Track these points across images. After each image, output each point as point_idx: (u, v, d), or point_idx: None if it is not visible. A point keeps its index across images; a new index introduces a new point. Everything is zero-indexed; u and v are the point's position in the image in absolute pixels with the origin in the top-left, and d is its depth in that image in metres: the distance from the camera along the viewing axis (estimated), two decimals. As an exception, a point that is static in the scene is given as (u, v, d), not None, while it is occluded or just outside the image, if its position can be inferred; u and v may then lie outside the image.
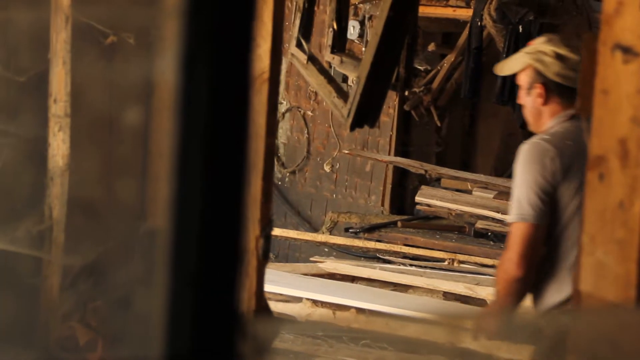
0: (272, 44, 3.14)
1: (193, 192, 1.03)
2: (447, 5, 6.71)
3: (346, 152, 6.85)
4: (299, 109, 7.25)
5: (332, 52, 4.09)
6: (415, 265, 6.41)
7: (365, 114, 3.82)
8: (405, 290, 6.35)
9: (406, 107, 6.85)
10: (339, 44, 4.11)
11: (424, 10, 6.77)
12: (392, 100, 7.00)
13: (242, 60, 1.04)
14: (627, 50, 1.84)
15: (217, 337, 1.09)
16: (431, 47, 6.90)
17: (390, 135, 6.99)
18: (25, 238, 3.30)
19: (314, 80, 4.03)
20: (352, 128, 3.82)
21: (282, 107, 7.30)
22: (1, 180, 3.33)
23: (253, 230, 3.24)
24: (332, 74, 4.09)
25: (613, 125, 1.88)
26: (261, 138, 3.19)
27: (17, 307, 3.23)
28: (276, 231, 6.59)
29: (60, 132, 3.29)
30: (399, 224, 6.64)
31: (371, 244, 6.54)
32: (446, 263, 6.45)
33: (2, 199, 3.34)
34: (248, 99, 1.05)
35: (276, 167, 7.49)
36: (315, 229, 7.20)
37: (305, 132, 7.27)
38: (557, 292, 3.22)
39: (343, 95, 3.91)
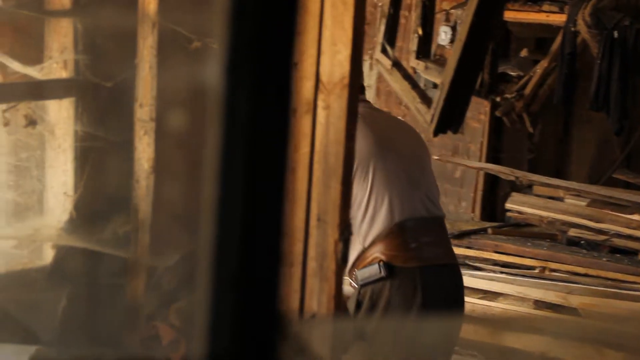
0: (353, 50, 3.16)
1: (235, 196, 1.06)
2: (540, 11, 6.63)
3: (436, 157, 6.82)
4: (390, 115, 7.24)
5: (417, 57, 4.09)
6: (506, 273, 6.35)
7: (449, 120, 3.82)
8: (495, 298, 6.31)
9: (498, 113, 6.79)
10: (424, 49, 4.11)
11: (516, 16, 6.71)
12: (483, 106, 6.96)
13: (284, 69, 1.07)
14: None
15: (258, 338, 1.11)
16: (524, 52, 6.83)
17: (482, 142, 6.93)
18: (111, 239, 3.38)
19: (398, 85, 4.04)
20: (436, 134, 3.82)
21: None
22: (89, 183, 3.42)
23: (332, 234, 3.26)
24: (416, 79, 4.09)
25: None
26: (341, 143, 3.21)
27: (103, 307, 3.31)
28: (365, 236, 6.59)
29: (145, 136, 3.36)
30: (490, 230, 6.59)
31: (460, 251, 6.50)
32: (537, 271, 6.38)
33: (90, 200, 3.43)
34: (288, 107, 1.07)
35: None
36: (405, 235, 7.17)
37: (396, 137, 7.25)
38: None
39: (427, 101, 3.91)
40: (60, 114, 3.40)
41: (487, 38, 3.63)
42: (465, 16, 3.61)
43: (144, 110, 3.35)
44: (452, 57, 3.60)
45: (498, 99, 6.85)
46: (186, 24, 3.32)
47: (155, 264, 3.36)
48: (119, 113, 3.41)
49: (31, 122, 3.28)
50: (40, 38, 3.41)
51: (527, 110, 6.92)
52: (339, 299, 3.32)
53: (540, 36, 6.94)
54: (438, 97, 3.69)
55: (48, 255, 3.37)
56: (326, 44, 3.22)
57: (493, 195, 7.03)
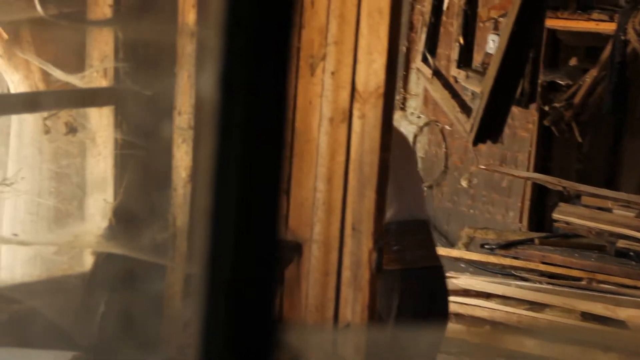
0: (388, 59, 3.17)
1: (229, 204, 1.07)
2: (589, 19, 6.58)
3: (482, 167, 6.80)
4: (437, 123, 7.23)
5: (458, 66, 4.08)
6: (552, 284, 6.31)
7: (489, 129, 3.80)
8: (542, 310, 6.26)
9: (546, 123, 6.76)
10: (466, 58, 4.10)
11: (565, 24, 6.66)
12: (531, 115, 6.92)
13: (279, 78, 1.08)
14: None
15: (251, 346, 1.12)
16: (573, 61, 6.78)
17: (529, 151, 6.90)
18: (150, 246, 3.42)
19: (439, 94, 4.04)
20: (475, 143, 3.81)
21: (421, 121, 7.30)
22: (128, 190, 3.46)
23: (366, 243, 3.27)
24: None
25: None
26: (376, 153, 3.22)
27: (141, 315, 3.34)
28: (410, 245, 6.58)
29: (183, 144, 3.40)
30: (536, 241, 6.55)
31: (507, 261, 6.47)
32: (584, 282, 6.32)
33: (129, 207, 3.47)
34: (284, 115, 1.08)
35: (414, 182, 7.49)
36: (452, 244, 7.16)
37: (443, 146, 7.25)
38: None
39: (467, 110, 3.90)
40: (100, 122, 3.45)
41: (528, 47, 3.61)
42: (505, 25, 3.60)
43: (182, 118, 3.38)
44: (492, 66, 3.59)
45: (547, 108, 6.80)
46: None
47: (193, 271, 3.38)
48: (158, 121, 3.45)
49: (71, 130, 3.33)
50: (82, 47, 3.46)
51: (576, 119, 6.87)
52: (373, 309, 3.32)
53: (590, 45, 6.89)
54: (478, 106, 3.67)
55: (88, 262, 3.41)
56: (362, 53, 3.24)
57: (541, 205, 6.99)
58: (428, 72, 4.08)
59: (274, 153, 1.12)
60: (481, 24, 6.28)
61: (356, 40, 3.23)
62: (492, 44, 6.87)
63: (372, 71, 3.18)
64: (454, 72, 4.11)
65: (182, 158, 3.41)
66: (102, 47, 3.44)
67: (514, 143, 7.05)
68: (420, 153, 7.50)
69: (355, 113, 3.24)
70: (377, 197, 3.19)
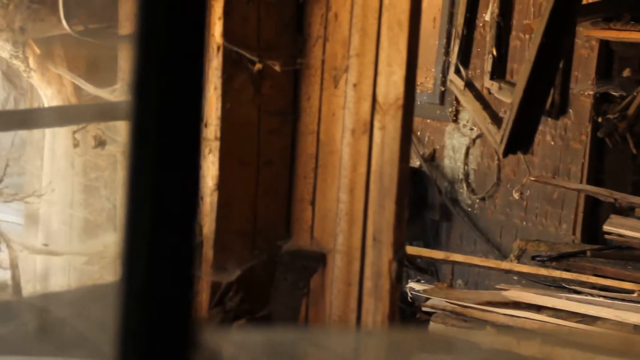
0: (407, 71, 3.20)
1: (143, 210, 1.11)
2: (643, 30, 6.51)
3: (532, 178, 6.76)
4: (489, 135, 7.20)
5: (492, 78, 4.09)
6: (604, 296, 6.24)
7: (519, 140, 3.80)
8: (593, 322, 6.19)
9: (600, 134, 6.69)
10: (499, 70, 4.10)
11: (619, 35, 6.61)
12: (584, 127, 6.86)
13: (193, 88, 1.12)
14: None
15: (168, 348, 1.16)
16: (626, 72, 6.71)
17: (582, 163, 6.84)
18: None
19: (471, 106, 4.05)
20: (505, 154, 3.81)
21: (473, 134, 7.29)
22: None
23: (386, 254, 3.30)
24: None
25: None
26: (395, 164, 3.25)
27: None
28: (459, 257, 6.58)
29: (210, 155, 3.46)
30: (588, 253, 6.48)
31: (557, 273, 6.41)
32: (636, 295, 6.24)
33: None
34: (198, 127, 1.13)
35: (466, 194, 7.48)
36: (504, 257, 7.12)
37: (496, 158, 7.22)
38: None
39: (497, 121, 3.90)
40: (130, 134, 3.52)
41: (557, 58, 3.60)
42: (534, 37, 3.60)
43: (209, 129, 3.45)
44: (522, 78, 3.59)
45: (600, 120, 6.74)
46: (248, 47, 3.41)
47: (219, 280, 3.44)
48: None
49: (100, 143, 3.41)
50: (114, 61, 3.55)
51: (630, 131, 6.79)
52: (393, 319, 3.34)
53: (644, 56, 6.81)
54: (508, 117, 3.68)
55: (117, 272, 3.49)
56: (382, 65, 3.27)
57: (595, 218, 6.92)
58: (460, 83, 4.09)
59: (188, 157, 1.16)
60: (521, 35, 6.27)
61: (377, 52, 3.26)
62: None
63: (391, 83, 3.21)
64: (487, 84, 4.12)
65: (209, 168, 3.47)
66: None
67: (567, 155, 7.00)
68: (472, 165, 7.48)
69: (376, 124, 3.27)
70: (396, 208, 3.22)
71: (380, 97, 3.25)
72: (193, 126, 1.18)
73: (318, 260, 3.48)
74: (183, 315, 1.19)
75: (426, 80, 7.56)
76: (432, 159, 7.64)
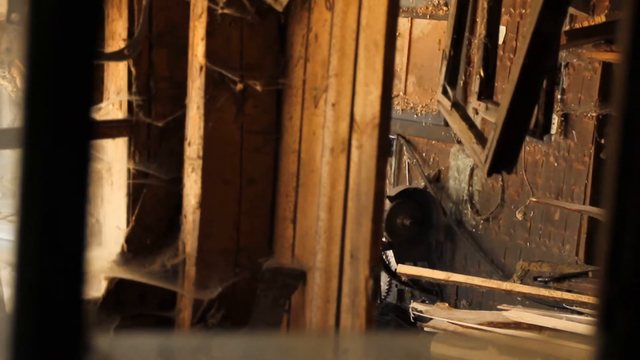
0: (383, 90, 3.24)
1: (35, 210, 1.15)
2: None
3: (534, 200, 6.78)
4: (492, 156, 7.22)
5: (479, 98, 4.12)
6: (605, 318, 6.23)
7: (503, 160, 3.82)
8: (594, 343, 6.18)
9: (603, 156, 6.70)
10: (486, 90, 4.13)
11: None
12: (587, 148, 6.88)
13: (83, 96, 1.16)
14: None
15: (60, 351, 1.20)
16: (629, 93, 6.71)
17: (586, 184, 6.85)
18: (160, 272, 3.53)
19: (457, 126, 4.08)
20: (490, 174, 3.83)
21: (477, 154, 7.31)
22: (141, 217, 3.59)
23: (363, 271, 3.33)
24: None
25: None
26: (372, 182, 3.29)
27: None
28: (460, 278, 6.59)
29: (193, 173, 3.51)
30: (590, 274, 6.49)
31: (558, 294, 6.42)
32: (636, 316, 6.23)
33: (141, 234, 3.59)
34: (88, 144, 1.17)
35: (470, 214, 7.50)
36: (508, 277, 7.13)
37: (500, 179, 7.24)
38: None
39: (483, 141, 3.93)
40: (116, 153, 3.59)
41: (540, 79, 3.64)
42: (517, 58, 3.63)
43: (192, 148, 3.50)
44: (505, 98, 3.62)
45: (603, 141, 6.75)
46: (231, 67, 3.46)
47: (201, 297, 3.49)
48: (169, 151, 3.58)
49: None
50: (100, 81, 3.62)
51: (633, 152, 6.79)
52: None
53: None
54: (492, 137, 3.71)
55: (101, 287, 3.54)
56: (359, 85, 3.32)
57: (598, 238, 6.89)
58: (447, 104, 4.13)
59: (78, 158, 1.21)
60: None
61: (354, 72, 3.31)
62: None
63: (368, 102, 3.25)
64: (475, 104, 4.15)
65: (191, 186, 3.52)
66: (118, 81, 3.58)
67: (570, 176, 7.01)
68: (477, 186, 7.50)
69: (354, 143, 3.31)
70: (373, 226, 3.25)
71: (357, 117, 3.30)
72: (82, 127, 1.23)
73: (298, 277, 3.52)
74: (75, 318, 1.23)
75: (431, 102, 7.60)
76: (437, 180, 7.67)
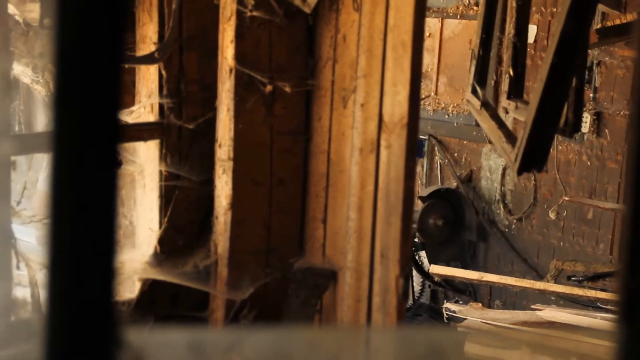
0: (411, 90, 3.26)
1: (66, 210, 1.18)
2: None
3: (566, 198, 6.76)
4: (524, 156, 7.21)
5: (509, 97, 4.12)
6: (639, 316, 6.20)
7: (533, 158, 3.82)
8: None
9: (636, 154, 6.68)
10: (516, 89, 4.13)
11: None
12: (620, 146, 6.85)
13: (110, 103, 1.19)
14: None
15: (93, 346, 1.23)
16: (661, 91, 6.68)
17: (619, 182, 6.82)
18: (193, 272, 3.57)
19: (486, 125, 4.09)
20: (520, 172, 3.83)
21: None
22: (173, 219, 3.62)
23: (393, 270, 3.34)
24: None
25: None
26: (400, 181, 3.30)
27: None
28: (493, 277, 6.58)
29: (224, 175, 3.54)
30: (624, 273, 6.46)
31: (592, 293, 6.39)
32: (671, 315, 6.19)
33: (173, 236, 3.63)
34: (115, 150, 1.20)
35: (503, 214, 7.48)
36: (541, 277, 7.11)
37: (532, 178, 7.23)
38: None
39: (512, 140, 3.94)
40: (148, 155, 3.63)
41: (569, 77, 3.64)
42: (546, 56, 3.64)
43: (222, 150, 3.53)
44: (534, 97, 3.62)
45: (636, 139, 6.72)
46: (260, 69, 3.49)
47: (233, 297, 3.52)
48: (200, 153, 3.61)
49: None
50: (131, 83, 3.66)
51: (667, 150, 6.76)
52: (400, 334, 3.38)
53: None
54: (522, 136, 3.71)
55: (136, 288, 3.58)
56: (388, 85, 3.33)
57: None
58: (477, 103, 4.14)
59: (107, 163, 1.24)
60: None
61: (382, 72, 3.32)
62: (578, 75, 6.85)
63: (396, 102, 3.26)
64: (505, 103, 4.15)
65: (222, 188, 3.55)
66: (149, 84, 3.62)
67: (603, 175, 6.99)
68: (509, 186, 7.49)
69: (383, 143, 3.33)
70: (402, 225, 3.27)
71: (386, 117, 3.31)
72: (110, 135, 1.25)
73: (329, 277, 3.54)
74: (107, 315, 1.26)
75: (462, 102, 7.60)
76: (469, 180, 7.67)
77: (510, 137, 3.94)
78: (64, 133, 1.21)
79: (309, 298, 3.53)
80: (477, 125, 7.43)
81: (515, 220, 7.39)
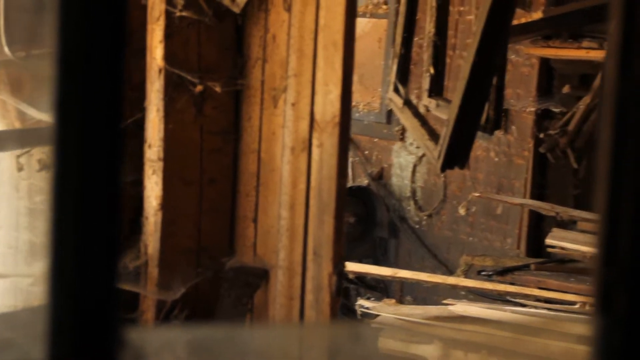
0: (342, 89, 3.30)
1: (69, 210, 1.18)
2: (580, 48, 6.68)
3: (476, 195, 6.89)
4: (434, 153, 7.34)
5: (430, 95, 4.20)
6: (547, 309, 6.37)
7: (455, 155, 3.91)
8: (537, 334, 6.32)
9: (542, 150, 6.85)
10: (436, 87, 4.22)
11: (557, 53, 6.78)
12: (526, 143, 7.02)
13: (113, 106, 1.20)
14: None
15: (96, 345, 1.23)
16: (566, 89, 6.87)
17: (526, 178, 6.98)
18: (123, 274, 3.55)
19: (409, 123, 4.16)
20: (443, 169, 3.91)
21: (419, 152, 7.42)
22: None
23: (326, 267, 3.38)
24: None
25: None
26: (333, 180, 3.35)
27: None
28: (406, 274, 6.68)
29: (153, 175, 3.53)
30: (532, 266, 6.62)
31: (502, 287, 6.54)
32: (577, 306, 6.38)
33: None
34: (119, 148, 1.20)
35: (413, 211, 7.60)
36: (452, 272, 7.24)
37: (442, 175, 7.35)
38: None
39: (435, 137, 4.02)
40: (75, 156, 3.59)
41: (490, 75, 3.73)
42: (467, 55, 3.72)
43: (152, 150, 3.52)
44: (456, 95, 3.70)
45: (542, 136, 6.90)
46: (189, 69, 3.49)
47: (164, 298, 3.51)
48: (129, 154, 3.59)
49: (45, 167, 3.47)
50: (57, 85, 3.62)
51: (571, 146, 6.95)
52: (334, 330, 3.43)
53: (583, 72, 6.99)
54: (444, 133, 3.79)
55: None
56: (319, 85, 3.37)
57: (539, 231, 7.07)
58: (399, 101, 4.20)
59: (110, 162, 1.24)
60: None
61: (314, 72, 3.36)
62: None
63: (328, 101, 3.30)
64: (425, 101, 4.23)
65: (152, 188, 3.54)
66: (75, 84, 3.58)
67: (510, 171, 7.14)
68: (419, 183, 7.60)
69: (314, 142, 3.37)
70: (335, 223, 3.31)
71: (317, 116, 3.35)
72: (114, 136, 1.26)
73: (261, 276, 3.56)
74: (109, 313, 1.27)
75: (373, 99, 7.69)
76: (380, 177, 7.76)
77: (433, 135, 4.03)
78: (64, 126, 1.21)
79: (240, 297, 3.54)
80: (388, 123, 7.53)
81: (425, 217, 7.51)
